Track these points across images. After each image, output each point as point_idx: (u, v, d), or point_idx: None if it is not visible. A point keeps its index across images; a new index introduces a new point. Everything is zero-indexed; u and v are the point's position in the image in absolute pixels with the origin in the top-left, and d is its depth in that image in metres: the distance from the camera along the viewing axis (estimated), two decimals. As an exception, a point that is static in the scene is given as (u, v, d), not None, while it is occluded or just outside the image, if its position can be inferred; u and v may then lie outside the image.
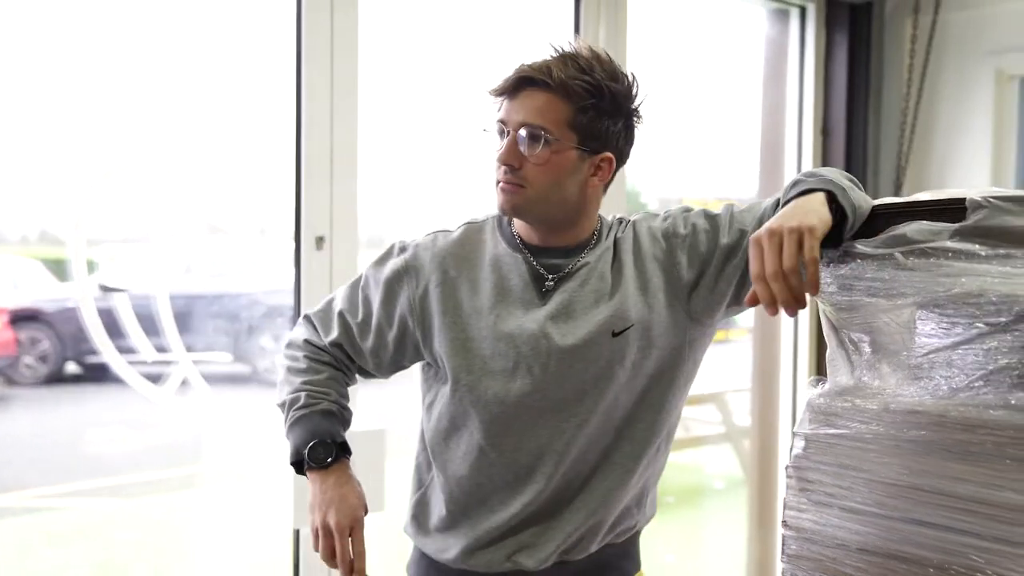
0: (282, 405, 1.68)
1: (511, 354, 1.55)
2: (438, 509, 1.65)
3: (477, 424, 1.58)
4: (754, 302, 1.35)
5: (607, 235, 1.63)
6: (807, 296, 1.33)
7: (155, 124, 2.62)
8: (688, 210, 1.64)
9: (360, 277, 1.70)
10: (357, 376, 1.75)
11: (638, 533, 1.71)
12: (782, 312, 1.34)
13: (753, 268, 1.33)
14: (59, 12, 2.47)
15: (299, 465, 1.63)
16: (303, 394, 1.65)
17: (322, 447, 1.61)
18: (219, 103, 2.70)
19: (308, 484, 1.63)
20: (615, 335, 1.54)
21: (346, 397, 1.70)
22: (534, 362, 1.55)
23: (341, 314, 1.69)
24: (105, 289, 2.71)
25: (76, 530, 4.57)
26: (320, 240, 2.41)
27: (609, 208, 1.69)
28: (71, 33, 2.47)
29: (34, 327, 6.66)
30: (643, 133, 1.65)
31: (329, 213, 2.43)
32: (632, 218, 1.67)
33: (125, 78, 2.58)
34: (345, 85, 2.44)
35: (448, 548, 1.63)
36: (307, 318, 1.75)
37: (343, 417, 1.68)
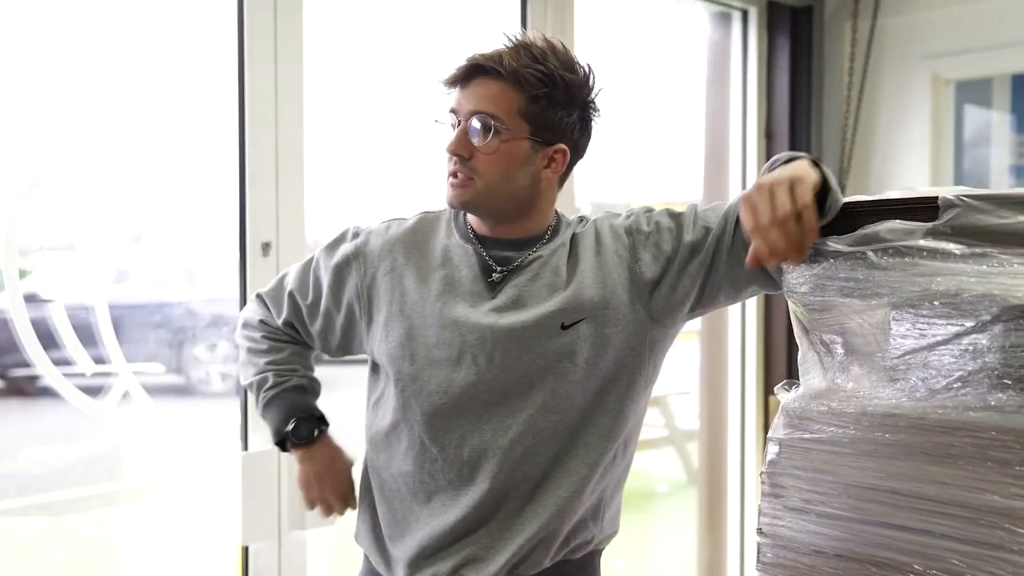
0: (250, 387, 1.71)
1: (456, 343, 1.52)
2: (384, 514, 1.61)
3: (419, 417, 1.54)
4: (755, 260, 1.32)
5: (564, 231, 1.60)
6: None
7: (88, 128, 2.52)
8: (650, 210, 1.61)
9: (312, 258, 1.70)
10: None
11: (598, 552, 1.65)
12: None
13: (747, 222, 1.30)
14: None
15: (282, 444, 1.68)
16: (270, 374, 1.68)
17: (304, 424, 1.66)
18: (158, 107, 2.60)
19: (295, 460, 1.69)
20: (564, 328, 1.50)
21: (312, 369, 1.74)
22: (479, 351, 1.51)
23: (291, 294, 1.69)
24: (33, 299, 2.62)
25: (4, 551, 4.41)
26: (266, 246, 2.33)
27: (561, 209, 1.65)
28: (10, 36, 2.37)
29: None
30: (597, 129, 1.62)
31: (275, 219, 2.35)
32: (593, 217, 1.64)
33: (56, 80, 2.48)
34: (290, 87, 2.36)
35: (395, 561, 1.59)
36: (259, 297, 1.76)
37: (314, 389, 1.72)
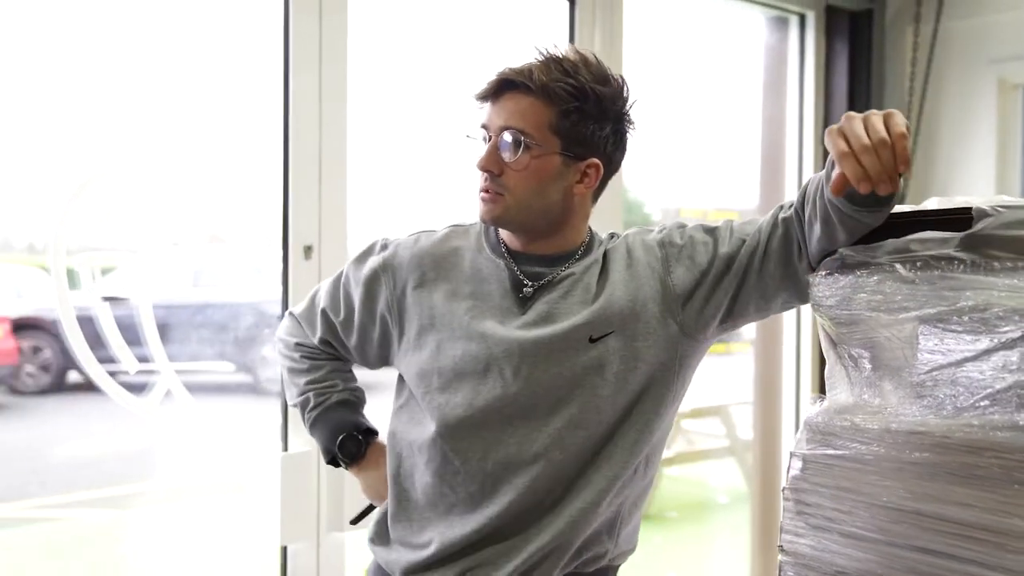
0: (295, 407, 1.74)
1: (483, 356, 1.50)
2: (398, 521, 1.59)
3: (443, 430, 1.52)
4: (841, 185, 1.27)
5: (597, 248, 1.58)
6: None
7: (149, 130, 2.58)
8: (683, 225, 1.59)
9: (341, 274, 1.69)
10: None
11: (612, 568, 1.61)
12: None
13: (837, 147, 1.24)
14: (55, 22, 2.44)
15: (334, 461, 1.70)
16: (311, 394, 1.70)
17: (350, 441, 1.68)
18: (209, 110, 2.65)
19: (352, 473, 1.72)
20: (593, 341, 1.48)
21: (353, 380, 1.75)
22: (506, 364, 1.49)
23: (324, 312, 1.69)
24: (107, 299, 2.71)
25: (75, 541, 4.56)
26: (308, 249, 2.35)
27: (605, 220, 1.63)
28: (66, 41, 2.45)
29: (36, 336, 6.69)
30: (644, 142, 1.60)
31: (317, 222, 2.36)
32: (625, 232, 1.62)
33: (114, 83, 2.54)
34: (334, 91, 2.38)
35: (402, 567, 1.57)
36: (292, 316, 1.76)
37: (357, 400, 1.73)
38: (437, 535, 1.53)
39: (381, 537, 1.62)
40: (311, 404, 1.70)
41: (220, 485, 4.74)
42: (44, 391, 6.86)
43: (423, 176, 3.02)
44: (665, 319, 1.50)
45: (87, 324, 2.52)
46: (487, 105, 1.52)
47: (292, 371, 1.73)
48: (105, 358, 2.52)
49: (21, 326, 6.97)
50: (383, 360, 1.67)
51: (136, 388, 2.57)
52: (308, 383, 1.70)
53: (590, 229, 1.61)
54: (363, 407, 1.74)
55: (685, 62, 3.63)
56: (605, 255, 1.56)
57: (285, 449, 2.39)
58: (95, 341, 2.54)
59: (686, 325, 1.51)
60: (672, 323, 1.51)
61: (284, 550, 2.43)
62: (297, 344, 1.73)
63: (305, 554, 2.41)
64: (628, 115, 1.55)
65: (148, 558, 4.28)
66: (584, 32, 2.79)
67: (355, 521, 1.84)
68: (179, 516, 4.69)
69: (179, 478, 4.87)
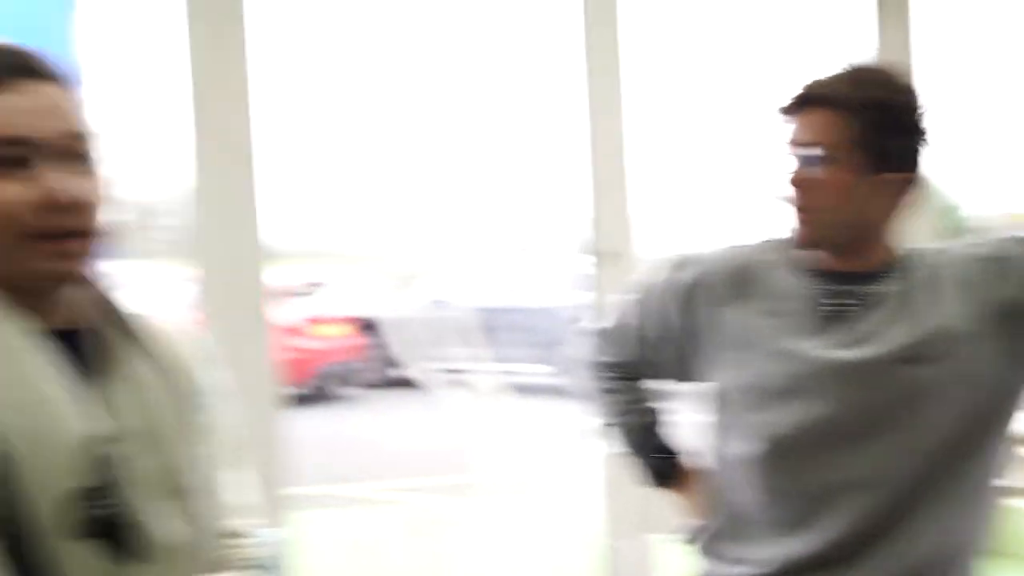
0: (609, 427, 1.76)
1: (793, 376, 1.47)
2: (724, 534, 1.59)
3: (763, 448, 1.49)
4: None
5: (910, 264, 1.51)
6: None
7: (468, 150, 2.80)
8: (1011, 237, 1.51)
9: (650, 290, 1.69)
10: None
11: None
12: None
13: None
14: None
15: (654, 483, 1.74)
16: (626, 417, 1.71)
17: (668, 465, 1.69)
18: (524, 123, 2.84)
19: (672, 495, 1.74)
20: (909, 363, 1.42)
21: (661, 400, 1.73)
22: (818, 386, 1.45)
23: (634, 329, 1.69)
24: (437, 303, 2.94)
25: (413, 523, 4.81)
26: (612, 255, 2.40)
27: (914, 230, 1.57)
28: (377, 64, 2.72)
29: (376, 335, 7.50)
30: (962, 143, 1.52)
31: (619, 228, 2.41)
32: (941, 246, 1.57)
33: (441, 103, 2.77)
34: (636, 98, 2.42)
35: (725, 574, 1.57)
36: (601, 333, 1.77)
37: (666, 422, 1.73)
38: (761, 554, 1.52)
39: (706, 549, 1.63)
40: (625, 428, 1.71)
41: (546, 481, 4.92)
42: (384, 385, 7.63)
43: (729, 185, 3.03)
44: (991, 340, 1.42)
45: (418, 325, 2.80)
46: (792, 119, 1.50)
47: (602, 392, 1.74)
48: (432, 357, 2.77)
49: (367, 326, 7.86)
50: (695, 376, 1.65)
51: (462, 386, 2.79)
52: (620, 406, 1.71)
53: (902, 245, 1.54)
54: (670, 427, 1.73)
55: (1004, 59, 3.40)
56: (921, 272, 1.49)
57: (608, 449, 2.46)
58: (425, 341, 2.81)
59: (1015, 346, 1.42)
60: (999, 344, 1.42)
61: (609, 548, 2.47)
62: (606, 364, 1.74)
63: (630, 553, 2.45)
64: (925, 126, 1.49)
65: (482, 544, 4.47)
66: (889, 35, 2.69)
67: (688, 541, 1.79)
68: (506, 508, 4.95)
69: (506, 472, 5.14)
